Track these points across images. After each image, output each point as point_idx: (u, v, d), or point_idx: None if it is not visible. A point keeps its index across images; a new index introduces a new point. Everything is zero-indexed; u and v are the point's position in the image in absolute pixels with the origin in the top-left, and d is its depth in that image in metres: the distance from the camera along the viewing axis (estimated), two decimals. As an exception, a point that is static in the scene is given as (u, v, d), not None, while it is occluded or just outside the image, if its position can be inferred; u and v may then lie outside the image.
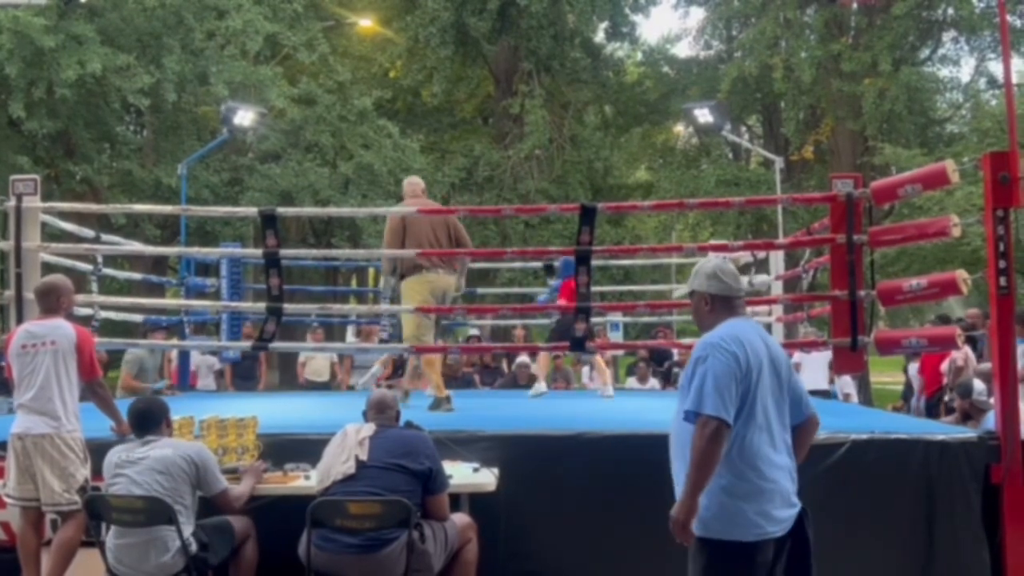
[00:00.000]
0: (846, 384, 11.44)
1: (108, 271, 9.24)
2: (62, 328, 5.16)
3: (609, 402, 8.54)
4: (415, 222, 7.26)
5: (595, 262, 6.71)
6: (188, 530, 4.45)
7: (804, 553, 3.53)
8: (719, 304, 3.60)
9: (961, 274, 5.72)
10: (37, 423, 5.00)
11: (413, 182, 7.84)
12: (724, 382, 3.31)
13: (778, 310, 9.94)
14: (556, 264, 9.58)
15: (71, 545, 4.94)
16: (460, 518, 4.80)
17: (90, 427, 5.33)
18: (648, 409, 7.43)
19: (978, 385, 7.66)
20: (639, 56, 25.85)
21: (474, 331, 14.06)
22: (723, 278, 3.61)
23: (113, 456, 4.64)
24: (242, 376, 12.38)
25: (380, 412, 4.79)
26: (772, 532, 3.38)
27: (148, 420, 4.76)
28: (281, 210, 7.14)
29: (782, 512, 3.42)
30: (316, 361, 12.76)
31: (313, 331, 12.74)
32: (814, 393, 10.30)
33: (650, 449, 5.11)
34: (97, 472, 5.12)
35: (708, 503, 3.33)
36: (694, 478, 3.27)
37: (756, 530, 3.35)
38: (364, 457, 4.50)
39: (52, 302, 5.30)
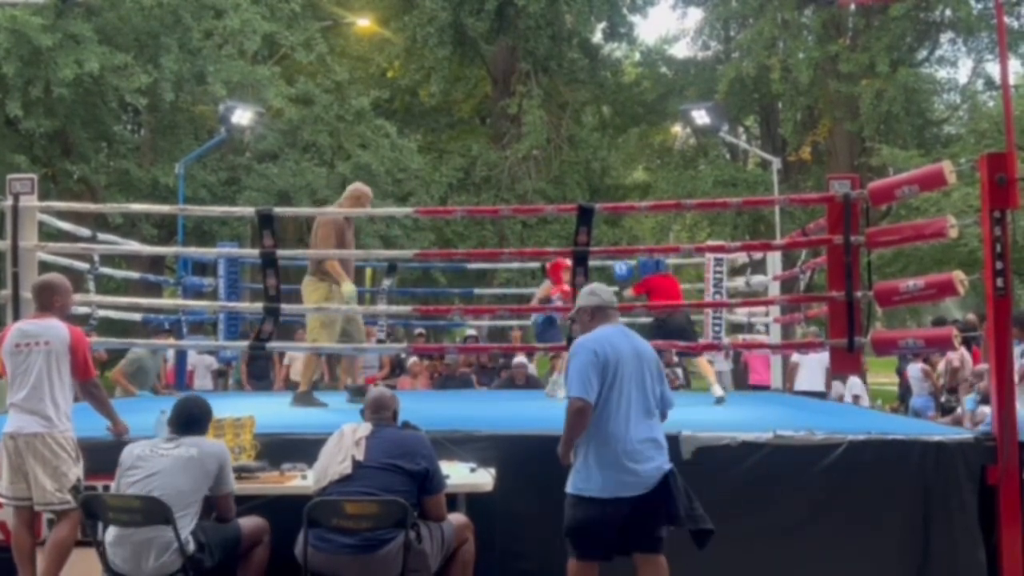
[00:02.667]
0: (855, 386, 11.40)
1: (105, 270, 9.23)
2: (56, 328, 5.13)
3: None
4: None
5: (592, 263, 6.71)
6: (188, 530, 4.44)
7: (667, 510, 4.39)
8: (598, 314, 4.65)
9: (958, 275, 5.73)
10: (29, 422, 4.98)
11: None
12: (585, 371, 4.36)
13: (775, 311, 9.94)
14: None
15: (65, 545, 4.92)
16: (457, 518, 4.79)
17: (84, 427, 5.32)
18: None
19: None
20: (637, 56, 25.86)
21: (471, 331, 14.06)
22: (599, 294, 4.73)
23: (136, 448, 4.64)
24: (256, 376, 12.39)
25: (376, 412, 4.79)
26: (623, 492, 4.32)
27: (193, 423, 4.77)
28: (278, 210, 7.14)
29: (636, 477, 4.34)
30: (300, 362, 12.69)
31: (302, 332, 12.72)
32: (810, 394, 10.41)
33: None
34: (94, 471, 5.12)
35: (577, 467, 4.44)
36: (564, 438, 4.46)
37: (609, 489, 4.33)
38: (360, 457, 4.49)
39: (46, 300, 5.28)
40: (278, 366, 12.71)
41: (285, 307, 6.76)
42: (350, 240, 7.64)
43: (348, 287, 7.31)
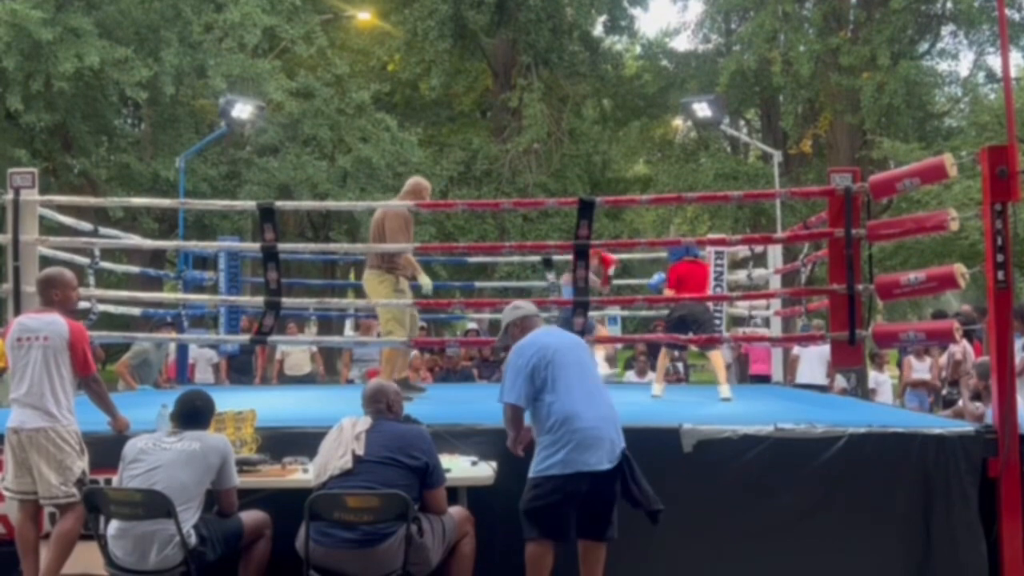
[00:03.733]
0: (873, 379, 11.37)
1: (106, 264, 9.22)
2: (56, 324, 5.11)
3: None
4: None
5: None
6: (190, 523, 4.45)
7: (627, 492, 4.69)
8: (526, 324, 5.07)
9: (959, 268, 5.73)
10: (31, 417, 4.98)
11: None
12: (514, 378, 4.75)
13: (776, 304, 9.93)
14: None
15: (69, 538, 4.92)
16: (458, 511, 4.81)
17: (87, 420, 5.33)
18: (646, 403, 7.44)
19: None
20: (637, 50, 25.83)
21: (472, 325, 14.06)
22: (522, 307, 5.21)
23: (139, 442, 4.66)
24: (238, 370, 12.39)
25: (372, 403, 4.80)
26: (582, 467, 4.56)
27: (196, 417, 4.80)
28: (279, 204, 7.15)
29: (593, 452, 4.59)
30: (295, 356, 12.74)
31: (293, 326, 12.74)
32: (811, 387, 10.40)
33: (646, 441, 5.15)
34: (97, 464, 5.13)
35: (538, 452, 4.68)
36: (510, 436, 4.90)
37: (570, 464, 4.56)
38: (361, 452, 4.49)
39: (46, 294, 5.27)
40: (261, 361, 12.71)
41: (286, 301, 6.76)
42: (411, 235, 7.59)
43: (426, 279, 7.44)
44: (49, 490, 4.93)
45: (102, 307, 8.36)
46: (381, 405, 4.80)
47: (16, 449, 5.00)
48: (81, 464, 5.01)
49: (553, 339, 4.94)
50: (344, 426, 4.66)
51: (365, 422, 4.67)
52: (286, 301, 6.81)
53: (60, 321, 5.13)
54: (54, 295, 5.25)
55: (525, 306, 5.25)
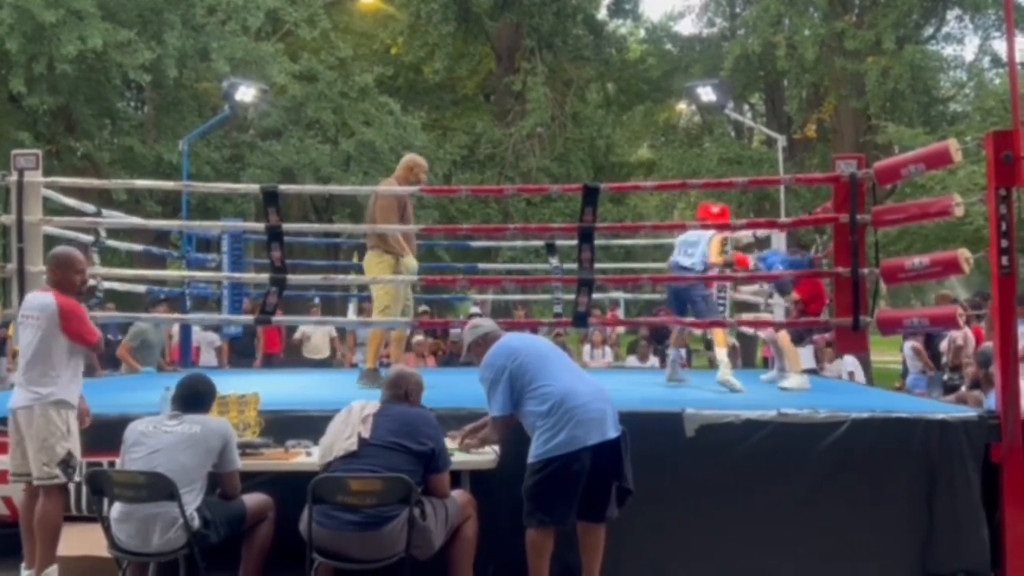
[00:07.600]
0: (849, 363, 11.42)
1: (110, 243, 9.21)
2: (47, 304, 4.99)
3: (611, 379, 8.28)
4: None
5: (597, 241, 6.70)
6: (193, 506, 4.46)
7: (618, 467, 4.73)
8: (488, 339, 5.07)
9: (963, 253, 5.72)
10: (23, 396, 4.94)
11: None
12: (495, 390, 4.80)
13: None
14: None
15: (48, 520, 4.85)
16: (461, 495, 4.82)
17: (97, 403, 5.33)
18: (648, 387, 7.44)
19: None
20: (642, 33, 25.70)
21: (475, 308, 14.07)
22: (482, 324, 5.28)
23: (140, 425, 4.65)
24: (240, 352, 12.42)
25: (392, 389, 4.84)
26: (586, 442, 4.55)
27: (196, 401, 4.79)
28: (283, 187, 7.11)
29: (598, 426, 4.61)
30: (315, 339, 12.82)
31: (311, 308, 12.77)
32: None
33: (648, 426, 5.17)
34: (99, 447, 5.12)
35: (537, 438, 4.64)
36: (492, 440, 5.02)
37: (574, 444, 4.54)
38: (366, 435, 4.51)
39: (48, 274, 5.24)
40: (263, 343, 12.74)
41: (291, 278, 6.73)
42: (410, 214, 7.56)
43: (411, 260, 7.30)
44: (37, 470, 4.88)
45: (107, 285, 8.35)
46: (400, 391, 4.83)
47: (13, 429, 4.99)
48: (67, 445, 4.92)
49: (516, 340, 5.01)
50: (353, 408, 4.68)
51: (373, 405, 4.68)
52: (291, 278, 6.77)
53: (51, 301, 5.01)
54: (55, 274, 5.16)
55: (484, 323, 5.33)
